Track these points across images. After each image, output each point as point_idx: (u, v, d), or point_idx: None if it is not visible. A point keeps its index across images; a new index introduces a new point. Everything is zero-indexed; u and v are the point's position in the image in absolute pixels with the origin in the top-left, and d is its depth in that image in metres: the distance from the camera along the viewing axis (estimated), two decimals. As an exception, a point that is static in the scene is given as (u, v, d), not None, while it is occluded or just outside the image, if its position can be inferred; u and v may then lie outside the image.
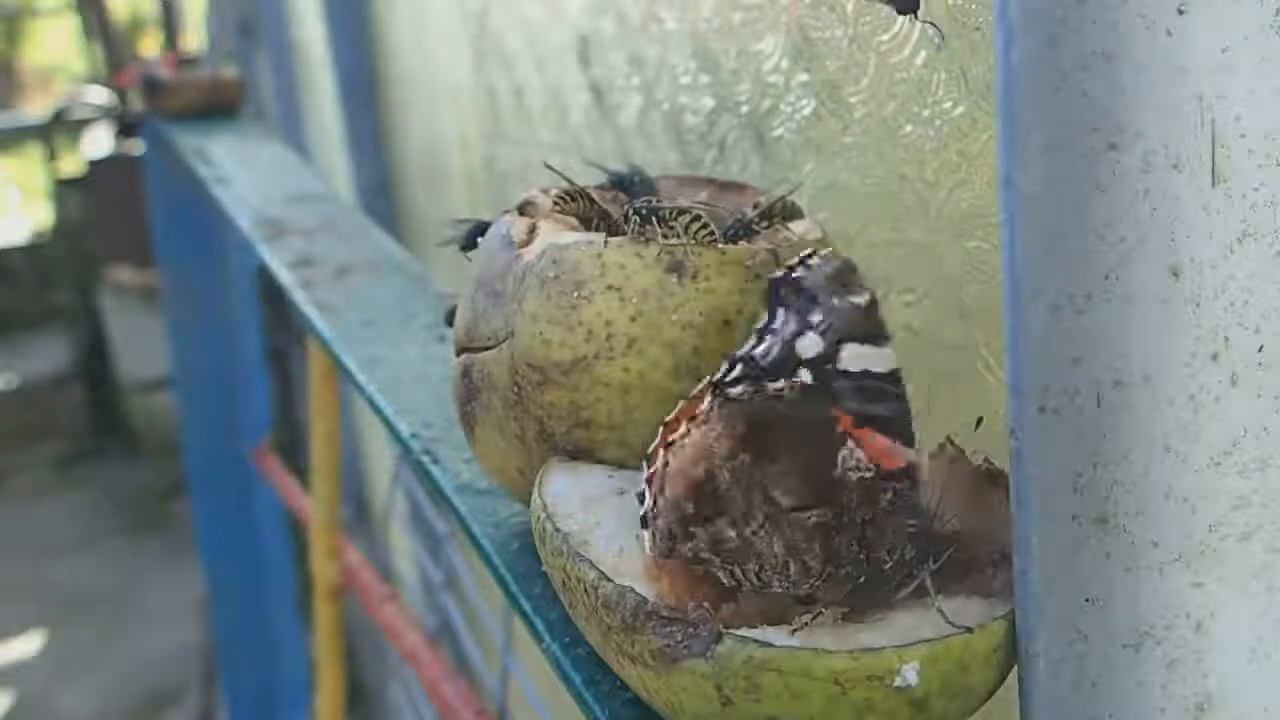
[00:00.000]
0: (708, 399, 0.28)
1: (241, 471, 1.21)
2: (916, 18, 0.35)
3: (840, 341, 0.28)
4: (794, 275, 0.28)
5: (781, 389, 0.28)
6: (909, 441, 0.27)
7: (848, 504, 0.27)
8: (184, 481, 1.35)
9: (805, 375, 0.28)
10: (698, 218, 0.34)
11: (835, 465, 0.27)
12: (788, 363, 0.28)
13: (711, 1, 0.53)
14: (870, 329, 0.28)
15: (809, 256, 0.28)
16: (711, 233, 0.35)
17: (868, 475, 0.27)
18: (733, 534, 0.28)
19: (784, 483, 0.28)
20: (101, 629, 2.29)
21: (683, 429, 0.29)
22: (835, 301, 0.28)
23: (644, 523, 0.28)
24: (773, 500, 0.28)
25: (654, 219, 0.34)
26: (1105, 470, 0.23)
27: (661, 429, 0.29)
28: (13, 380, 3.15)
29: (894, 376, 0.28)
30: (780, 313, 0.28)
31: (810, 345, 0.28)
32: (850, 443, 0.27)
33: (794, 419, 0.28)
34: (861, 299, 0.28)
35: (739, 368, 0.29)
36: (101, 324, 3.09)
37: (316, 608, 0.86)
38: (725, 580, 0.28)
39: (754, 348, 0.29)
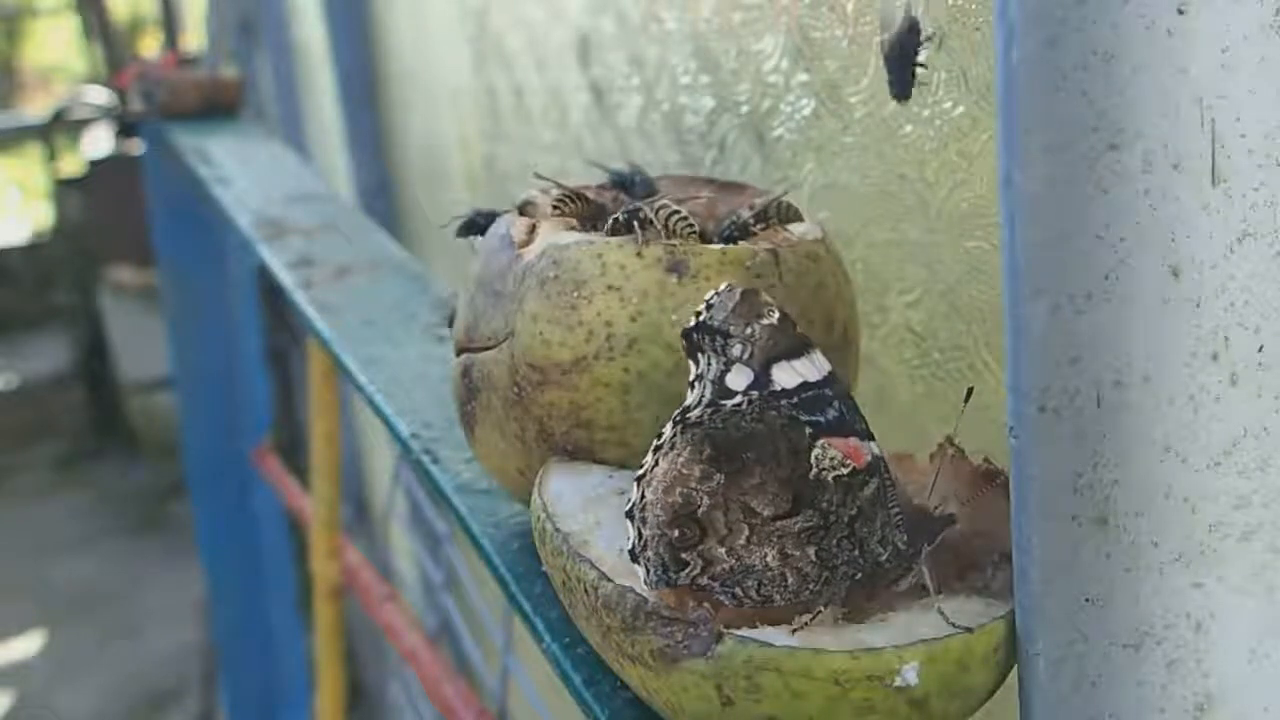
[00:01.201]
0: (669, 428, 0.29)
1: (241, 471, 1.21)
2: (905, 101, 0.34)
3: (767, 364, 0.28)
4: (701, 319, 0.28)
5: (740, 404, 0.28)
6: (866, 434, 0.28)
7: (830, 504, 0.27)
8: (184, 481, 1.35)
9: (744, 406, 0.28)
10: (675, 212, 0.35)
11: (810, 468, 0.27)
12: (724, 400, 0.28)
13: (711, 1, 0.53)
14: (790, 343, 0.28)
15: (710, 296, 0.29)
16: (691, 224, 0.35)
17: (844, 472, 0.27)
18: (723, 552, 0.28)
19: (762, 494, 0.28)
20: (101, 629, 2.29)
21: (650, 460, 0.29)
22: (748, 329, 0.28)
23: (633, 558, 0.28)
24: (754, 512, 0.28)
25: (638, 222, 0.34)
26: (1105, 470, 0.23)
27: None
28: (13, 380, 3.15)
29: (830, 379, 0.28)
30: (700, 359, 0.29)
31: (739, 378, 0.28)
32: (821, 443, 0.27)
33: (758, 432, 0.28)
34: (772, 319, 0.28)
35: (676, 427, 0.29)
36: (101, 324, 3.09)
37: (316, 608, 0.86)
38: (728, 602, 0.28)
39: (686, 402, 0.29)
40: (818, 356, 0.28)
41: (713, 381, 0.28)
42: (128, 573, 2.47)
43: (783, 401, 0.28)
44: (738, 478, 0.28)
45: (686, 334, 0.29)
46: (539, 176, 0.40)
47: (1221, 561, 0.23)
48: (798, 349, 0.28)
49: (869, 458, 0.27)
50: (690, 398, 0.29)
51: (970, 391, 0.31)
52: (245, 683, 1.33)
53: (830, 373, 0.28)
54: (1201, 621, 0.24)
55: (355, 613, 1.32)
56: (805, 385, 0.28)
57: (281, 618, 1.32)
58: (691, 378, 0.29)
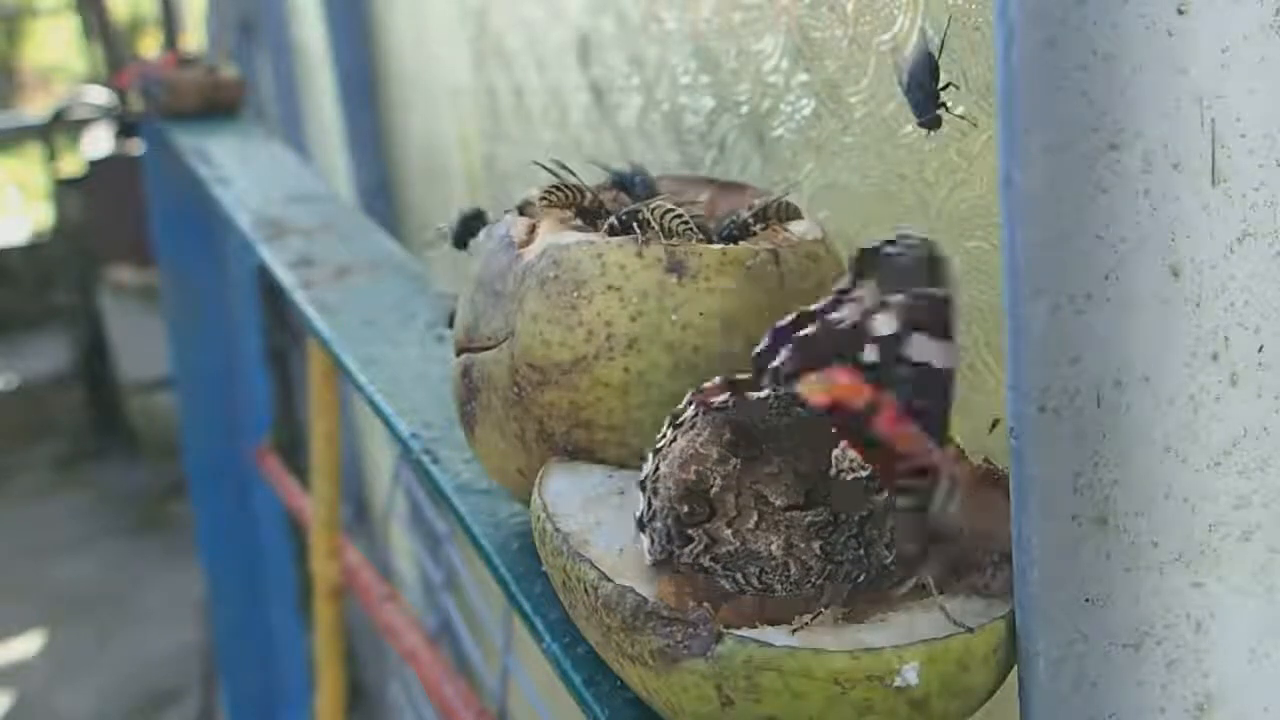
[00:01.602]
0: (690, 406, 0.28)
1: (241, 471, 1.21)
2: (933, 130, 0.34)
3: (913, 328, 0.27)
4: (888, 251, 0.27)
5: (766, 398, 0.28)
6: (941, 442, 0.27)
7: (844, 503, 0.27)
8: (184, 481, 1.35)
9: (870, 353, 0.27)
10: (670, 211, 0.35)
11: (829, 466, 0.27)
12: (857, 337, 0.27)
13: (711, 1, 0.53)
14: (942, 324, 0.27)
15: (905, 235, 0.27)
16: (686, 222, 0.35)
17: (862, 476, 0.27)
18: (729, 533, 0.28)
19: (776, 483, 0.28)
20: (101, 629, 2.29)
21: (668, 434, 0.28)
22: (919, 288, 0.27)
23: (640, 525, 0.28)
24: (766, 500, 0.28)
25: (636, 222, 0.34)
26: (1105, 470, 0.23)
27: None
28: (13, 380, 3.15)
29: (948, 375, 0.27)
30: (862, 283, 0.27)
31: (884, 324, 0.27)
32: (843, 444, 0.27)
33: (780, 427, 0.28)
34: (944, 292, 0.27)
35: (813, 324, 0.27)
36: (101, 324, 3.09)
37: (316, 608, 0.86)
38: (728, 586, 0.28)
39: (829, 310, 0.27)
40: (953, 350, 0.27)
41: (863, 311, 0.27)
42: (128, 573, 2.47)
43: (901, 368, 0.26)
44: (755, 464, 0.28)
45: (866, 251, 0.27)
46: (537, 163, 0.40)
47: (1221, 561, 0.23)
48: (943, 331, 0.27)
49: (923, 461, 0.27)
50: (823, 304, 0.27)
51: (996, 423, 0.30)
52: (245, 683, 1.33)
53: (951, 371, 0.27)
54: (1201, 621, 0.24)
55: (355, 613, 1.32)
56: (927, 366, 0.27)
57: (281, 618, 1.32)
58: (840, 289, 0.27)
